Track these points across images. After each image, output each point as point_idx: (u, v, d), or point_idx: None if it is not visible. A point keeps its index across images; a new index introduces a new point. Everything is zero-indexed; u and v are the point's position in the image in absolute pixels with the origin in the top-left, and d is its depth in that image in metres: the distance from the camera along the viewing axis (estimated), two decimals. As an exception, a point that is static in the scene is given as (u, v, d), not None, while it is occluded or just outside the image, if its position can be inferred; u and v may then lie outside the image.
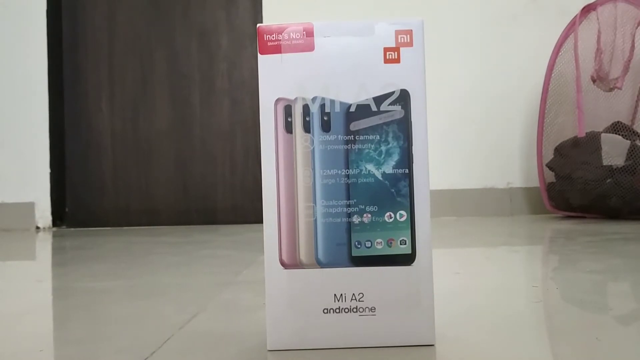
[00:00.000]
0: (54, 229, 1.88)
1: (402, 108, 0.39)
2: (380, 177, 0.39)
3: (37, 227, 1.89)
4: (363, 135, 0.39)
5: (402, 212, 0.39)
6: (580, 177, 1.57)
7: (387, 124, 0.39)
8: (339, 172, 0.39)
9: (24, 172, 1.89)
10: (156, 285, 0.69)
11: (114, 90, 1.97)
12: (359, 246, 0.39)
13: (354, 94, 0.39)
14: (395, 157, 0.39)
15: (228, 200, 1.95)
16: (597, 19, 1.67)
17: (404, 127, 0.39)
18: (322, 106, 0.39)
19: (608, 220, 1.53)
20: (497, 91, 1.88)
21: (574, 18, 1.72)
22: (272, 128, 0.39)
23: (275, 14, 1.88)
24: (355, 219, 0.39)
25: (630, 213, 1.52)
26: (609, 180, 1.53)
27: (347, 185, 0.39)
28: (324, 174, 0.39)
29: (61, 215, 1.95)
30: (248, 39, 1.96)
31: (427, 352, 0.38)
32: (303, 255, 0.38)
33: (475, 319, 0.47)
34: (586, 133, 1.59)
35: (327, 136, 0.39)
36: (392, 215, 0.39)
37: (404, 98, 0.39)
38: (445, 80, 1.85)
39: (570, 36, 1.72)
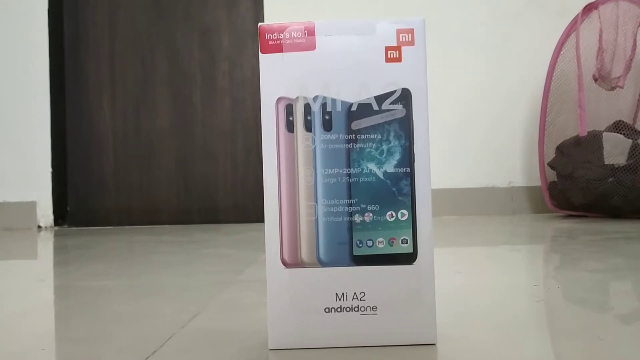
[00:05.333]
0: (56, 228, 1.89)
1: (403, 107, 0.39)
2: (381, 176, 0.39)
3: (39, 226, 1.89)
4: (364, 134, 0.39)
5: (404, 211, 0.39)
6: (582, 176, 1.57)
7: (389, 123, 0.39)
8: (341, 171, 0.39)
9: (25, 171, 1.89)
10: (157, 284, 0.69)
11: (116, 89, 1.97)
12: (361, 245, 0.39)
13: (356, 93, 0.39)
14: (397, 156, 0.39)
15: (229, 199, 1.95)
16: (599, 17, 1.67)
17: (406, 126, 0.39)
18: (324, 105, 0.39)
19: (610, 219, 1.53)
20: (498, 90, 1.88)
21: (575, 17, 1.72)
22: (274, 127, 0.39)
23: (277, 13, 1.88)
24: (357, 218, 0.39)
25: (632, 212, 1.52)
26: (610, 179, 1.53)
27: (349, 184, 0.39)
28: (326, 173, 0.39)
29: (63, 214, 1.95)
30: (249, 38, 1.96)
31: (429, 351, 0.38)
32: (304, 254, 0.38)
33: (476, 318, 0.47)
34: (588, 132, 1.59)
35: (329, 135, 0.39)
36: (394, 214, 0.39)
37: (405, 97, 0.39)
38: (447, 79, 1.85)
39: (572, 35, 1.72)
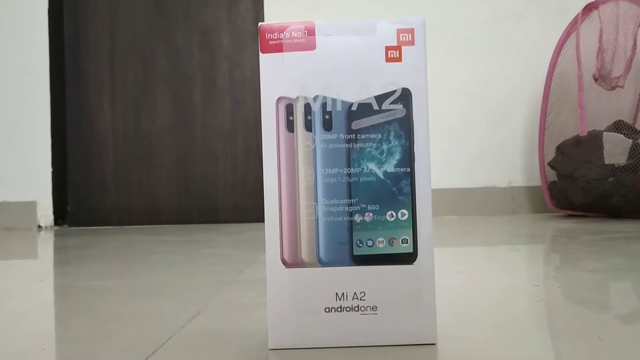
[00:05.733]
0: (56, 227, 1.89)
1: (403, 107, 0.39)
2: (381, 176, 0.39)
3: (39, 226, 1.89)
4: (364, 134, 0.38)
5: (404, 211, 0.39)
6: (582, 176, 1.57)
7: (389, 122, 0.39)
8: (341, 170, 0.39)
9: (25, 171, 1.89)
10: (157, 284, 0.69)
11: (116, 89, 1.97)
12: (361, 245, 0.39)
13: (356, 93, 0.39)
14: (397, 156, 0.39)
15: (229, 199, 1.95)
16: (599, 17, 1.67)
17: (406, 126, 0.39)
18: (324, 105, 0.39)
19: (610, 219, 1.53)
20: (498, 90, 1.88)
21: (575, 17, 1.72)
22: (274, 127, 0.39)
23: (277, 12, 1.88)
24: (357, 218, 0.39)
25: (632, 212, 1.52)
26: (610, 179, 1.53)
27: (349, 184, 0.39)
28: (326, 172, 0.39)
29: (63, 214, 1.95)
30: (249, 37, 1.96)
31: (429, 351, 0.38)
32: (304, 254, 0.38)
33: (476, 317, 0.47)
34: (588, 132, 1.59)
35: (329, 135, 0.39)
36: (394, 214, 0.39)
37: (405, 97, 0.39)
38: (447, 79, 1.85)
39: (572, 35, 1.72)
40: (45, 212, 1.90)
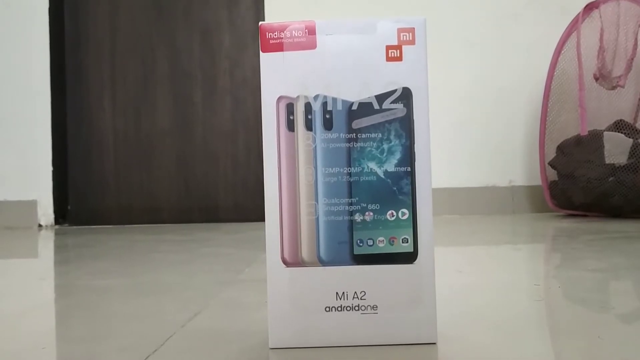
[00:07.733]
0: (57, 226, 1.89)
1: (404, 106, 0.39)
2: (382, 175, 0.39)
3: (40, 225, 1.89)
4: (365, 134, 0.38)
5: (404, 210, 0.39)
6: (582, 176, 1.57)
7: (389, 122, 0.39)
8: (341, 170, 0.39)
9: (26, 170, 1.90)
10: (158, 283, 0.69)
11: (116, 88, 1.97)
12: (361, 244, 0.39)
13: (356, 92, 0.39)
14: (397, 155, 0.39)
15: (230, 198, 1.95)
16: (600, 17, 1.67)
17: (406, 125, 0.39)
18: (324, 104, 0.39)
19: (610, 218, 1.53)
20: (499, 89, 1.88)
21: (576, 16, 1.72)
22: (274, 126, 0.39)
23: (277, 12, 1.88)
24: (357, 217, 0.39)
25: (632, 212, 1.52)
26: (611, 179, 1.53)
27: (349, 184, 0.39)
28: (326, 172, 0.39)
29: (63, 213, 1.95)
30: (250, 37, 1.96)
31: (429, 350, 0.38)
32: (305, 253, 0.38)
33: (477, 317, 0.47)
34: (589, 131, 1.59)
35: (329, 134, 0.39)
36: (394, 213, 0.39)
37: (406, 96, 0.39)
38: (448, 78, 1.85)
39: (573, 34, 1.72)
40: (46, 211, 1.90)
